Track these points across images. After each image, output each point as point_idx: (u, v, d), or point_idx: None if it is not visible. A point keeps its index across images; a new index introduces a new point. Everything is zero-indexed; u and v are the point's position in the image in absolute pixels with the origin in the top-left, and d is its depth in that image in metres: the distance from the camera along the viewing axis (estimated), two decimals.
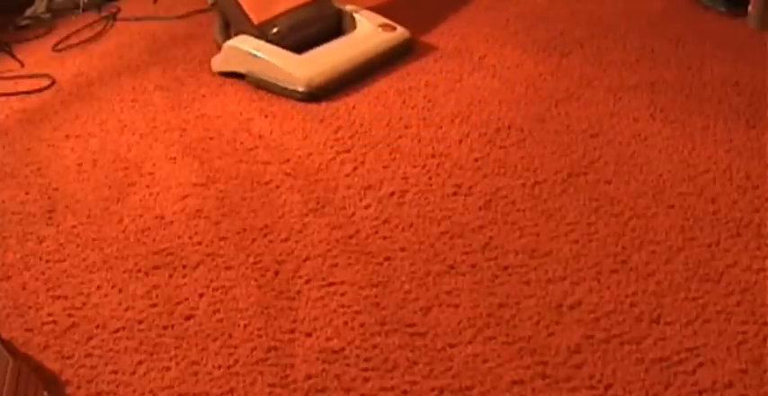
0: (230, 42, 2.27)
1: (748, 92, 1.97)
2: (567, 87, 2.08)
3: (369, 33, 2.29)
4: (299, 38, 2.25)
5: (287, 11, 2.29)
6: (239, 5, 2.27)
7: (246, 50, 2.22)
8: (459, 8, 2.70)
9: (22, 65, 2.63)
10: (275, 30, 2.24)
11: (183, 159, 1.94)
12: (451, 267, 1.48)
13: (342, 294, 1.44)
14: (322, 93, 2.13)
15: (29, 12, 3.07)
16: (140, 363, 1.34)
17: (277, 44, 2.22)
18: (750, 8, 2.31)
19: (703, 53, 2.19)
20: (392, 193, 1.72)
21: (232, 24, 2.32)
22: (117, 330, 1.42)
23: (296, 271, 1.51)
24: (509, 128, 1.92)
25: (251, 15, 2.26)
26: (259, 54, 2.19)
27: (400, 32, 2.32)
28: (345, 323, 1.38)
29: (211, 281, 1.51)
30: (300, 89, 2.12)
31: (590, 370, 1.23)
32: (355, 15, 2.34)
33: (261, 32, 2.24)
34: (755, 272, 1.39)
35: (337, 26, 2.36)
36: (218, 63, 2.35)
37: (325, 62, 2.19)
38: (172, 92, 2.31)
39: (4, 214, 1.79)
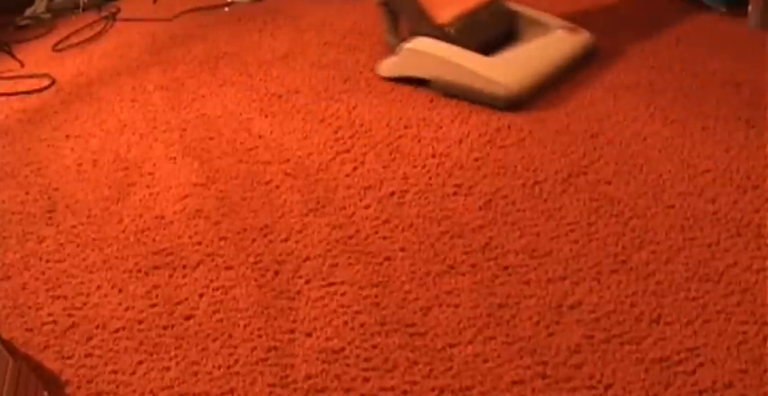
0: (412, 45, 2.09)
1: (748, 92, 1.97)
2: (567, 87, 2.08)
3: (558, 37, 2.12)
4: (480, 40, 2.07)
5: (467, 11, 2.11)
6: (420, 4, 2.08)
7: (435, 54, 2.04)
8: None
9: (22, 65, 2.63)
10: (456, 31, 2.06)
11: (183, 159, 1.94)
12: (451, 267, 1.48)
13: (342, 294, 1.44)
14: (524, 99, 1.96)
15: (29, 12, 3.08)
16: (140, 363, 1.34)
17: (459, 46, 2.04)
18: (750, 8, 2.31)
19: (703, 53, 2.19)
20: (392, 193, 1.72)
21: (408, 25, 2.17)
22: (117, 330, 1.42)
23: (296, 271, 1.52)
24: (509, 128, 1.92)
25: (433, 15, 2.07)
26: (452, 58, 2.01)
27: (586, 35, 2.16)
28: (345, 323, 1.38)
29: (211, 281, 1.51)
30: (503, 94, 1.95)
31: (590, 370, 1.23)
32: (538, 17, 2.17)
33: (442, 34, 2.06)
34: (755, 272, 1.39)
35: (511, 29, 2.19)
36: (392, 67, 2.17)
37: (526, 66, 2.01)
38: (172, 92, 2.31)
39: (4, 214, 1.80)
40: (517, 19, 2.19)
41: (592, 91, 2.05)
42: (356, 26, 2.65)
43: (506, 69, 1.99)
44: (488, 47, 2.07)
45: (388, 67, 2.18)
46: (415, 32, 2.12)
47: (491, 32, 2.12)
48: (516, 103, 1.95)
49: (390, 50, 2.19)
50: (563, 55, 2.07)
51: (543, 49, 2.09)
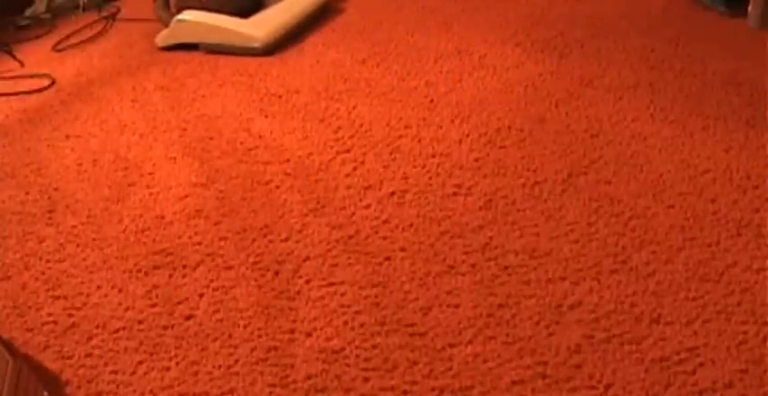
0: (182, 17, 2.58)
1: (748, 92, 1.97)
2: (567, 87, 2.08)
3: None
4: (235, 7, 2.62)
5: None
6: None
7: (201, 22, 2.55)
8: (459, 8, 2.70)
9: (22, 65, 2.63)
10: (214, 2, 2.60)
11: (183, 159, 1.94)
12: (451, 267, 1.48)
13: (342, 294, 1.44)
14: (274, 47, 2.51)
15: (29, 12, 3.07)
16: (140, 363, 1.34)
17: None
18: (750, 8, 2.31)
19: (703, 53, 2.19)
20: (392, 193, 1.72)
21: (175, 1, 2.69)
22: (117, 330, 1.42)
23: (296, 271, 1.51)
24: (509, 128, 1.92)
25: None
26: (214, 23, 2.54)
27: None
28: (345, 323, 1.38)
29: (211, 281, 1.51)
30: (257, 46, 2.49)
31: (590, 370, 1.23)
32: None
33: (203, 5, 2.60)
34: (755, 272, 1.39)
35: None
36: (166, 38, 2.61)
37: (273, 22, 2.58)
38: (172, 92, 2.31)
39: (4, 214, 1.79)
40: None
41: (592, 91, 2.05)
42: (356, 26, 2.65)
43: (257, 26, 2.54)
44: (244, 11, 2.62)
45: (163, 38, 2.62)
46: (182, 7, 2.62)
47: (241, 1, 2.67)
48: (268, 51, 2.49)
49: (164, 25, 2.64)
50: (301, 12, 2.67)
51: (286, 8, 2.68)
